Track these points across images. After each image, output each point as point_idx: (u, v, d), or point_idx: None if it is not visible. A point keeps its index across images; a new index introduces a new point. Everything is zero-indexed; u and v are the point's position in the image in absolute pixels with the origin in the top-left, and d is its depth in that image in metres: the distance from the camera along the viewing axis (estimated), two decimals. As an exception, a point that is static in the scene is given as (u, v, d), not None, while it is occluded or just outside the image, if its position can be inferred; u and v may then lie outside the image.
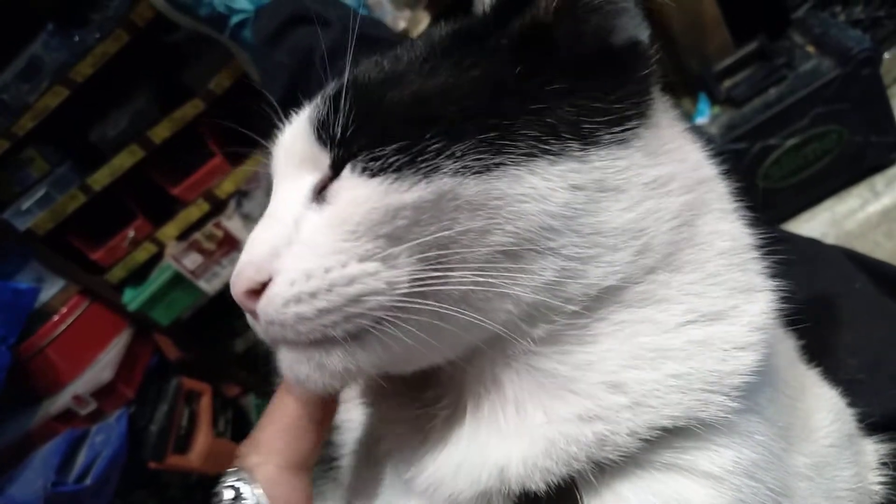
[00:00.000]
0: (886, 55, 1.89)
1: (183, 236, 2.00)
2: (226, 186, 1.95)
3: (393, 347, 0.37)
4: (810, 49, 1.74)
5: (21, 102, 1.73)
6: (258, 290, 0.37)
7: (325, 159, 0.39)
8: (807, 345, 0.51)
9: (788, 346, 0.50)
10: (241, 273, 0.38)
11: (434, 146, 0.35)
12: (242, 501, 0.37)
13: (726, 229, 0.41)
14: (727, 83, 1.78)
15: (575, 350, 0.38)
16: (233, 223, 2.00)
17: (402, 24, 1.71)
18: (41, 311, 1.96)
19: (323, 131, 0.39)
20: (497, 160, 0.35)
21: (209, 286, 2.02)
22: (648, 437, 0.36)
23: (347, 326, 0.36)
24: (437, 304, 0.35)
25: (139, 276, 2.04)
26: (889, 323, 0.64)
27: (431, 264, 0.35)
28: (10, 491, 1.63)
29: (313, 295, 0.35)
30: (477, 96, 0.37)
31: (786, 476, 0.39)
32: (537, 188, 0.36)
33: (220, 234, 1.98)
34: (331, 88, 0.41)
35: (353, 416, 0.54)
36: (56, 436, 1.79)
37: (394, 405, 0.45)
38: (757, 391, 0.39)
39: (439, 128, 0.36)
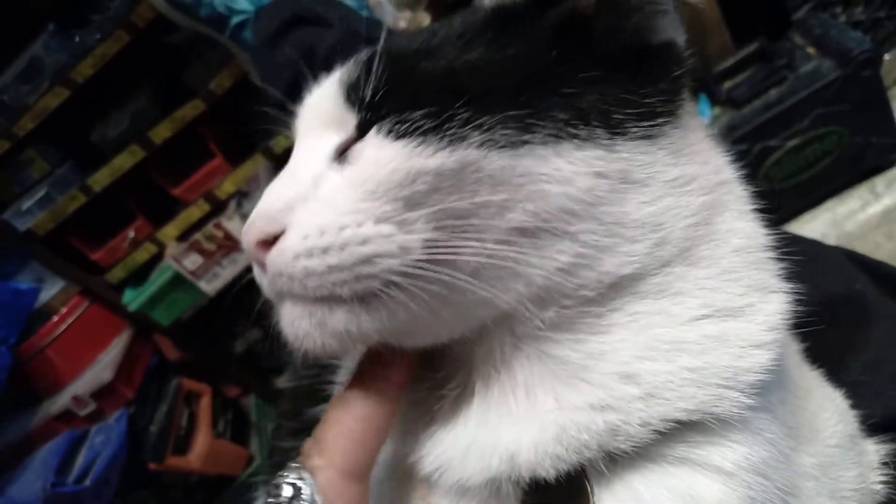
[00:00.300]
0: (887, 56, 1.89)
1: (183, 237, 2.00)
2: (226, 187, 1.95)
3: (398, 314, 0.36)
4: (811, 50, 1.74)
5: (21, 103, 1.73)
6: (270, 242, 0.37)
7: (351, 120, 0.39)
8: (809, 346, 0.51)
9: (794, 349, 0.50)
10: (254, 223, 0.38)
11: (462, 115, 0.35)
12: (301, 501, 0.36)
13: (742, 227, 0.41)
14: (727, 84, 1.78)
15: (588, 338, 0.38)
16: (233, 224, 2.00)
17: (402, 25, 1.71)
18: (41, 311, 1.96)
19: (353, 93, 0.39)
20: (524, 138, 0.35)
21: (209, 287, 2.02)
22: (662, 430, 0.36)
23: (356, 287, 0.35)
24: (448, 273, 0.35)
25: (139, 276, 2.03)
26: (889, 323, 0.64)
27: (447, 233, 0.35)
28: (10, 491, 1.63)
29: (325, 251, 0.35)
30: (510, 74, 0.38)
31: (793, 475, 0.39)
32: (562, 170, 0.36)
33: (220, 234, 1.98)
34: (364, 54, 0.41)
35: None
36: (56, 436, 1.80)
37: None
38: (769, 390, 0.39)
39: (470, 99, 0.36)
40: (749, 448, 0.37)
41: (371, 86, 0.38)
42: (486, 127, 0.35)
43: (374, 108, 0.38)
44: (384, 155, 0.36)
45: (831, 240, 1.67)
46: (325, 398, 0.58)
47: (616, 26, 0.40)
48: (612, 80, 0.39)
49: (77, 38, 1.71)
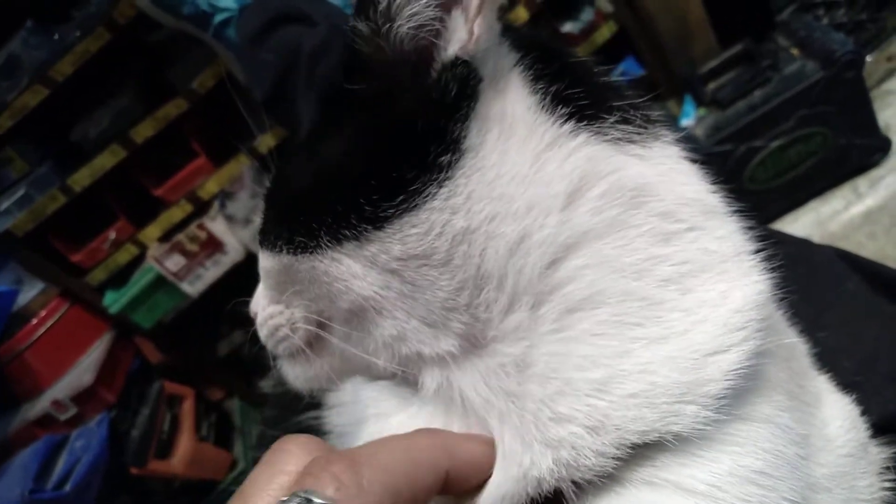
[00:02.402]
0: (869, 58, 1.91)
1: (165, 238, 1.97)
2: (209, 187, 1.93)
3: (318, 365, 0.44)
4: (795, 51, 1.75)
5: (-1, 101, 1.70)
6: None
7: None
8: None
9: (802, 352, 0.48)
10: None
11: (274, 226, 0.42)
12: None
13: (667, 253, 0.37)
14: (712, 85, 1.80)
15: (489, 379, 0.38)
16: (216, 225, 1.98)
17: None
18: (20, 313, 1.93)
19: None
20: (315, 243, 0.38)
21: (192, 288, 2.00)
22: (621, 455, 0.35)
23: (281, 347, 0.45)
24: (329, 336, 0.42)
25: (120, 278, 2.01)
26: (882, 322, 0.63)
27: (313, 311, 0.42)
28: (-12, 498, 1.60)
29: (260, 326, 0.46)
30: (294, 186, 0.42)
31: (804, 487, 0.37)
32: (352, 268, 0.38)
33: (203, 235, 1.96)
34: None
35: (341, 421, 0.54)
36: (35, 441, 1.76)
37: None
38: (759, 399, 0.37)
39: (275, 212, 0.43)
40: (734, 461, 0.35)
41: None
42: (286, 236, 0.40)
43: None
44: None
45: (815, 240, 1.68)
46: (312, 405, 0.57)
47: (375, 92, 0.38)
48: (366, 164, 0.37)
49: (57, 36, 1.69)
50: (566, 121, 0.38)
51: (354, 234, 0.37)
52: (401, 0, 0.35)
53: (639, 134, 0.40)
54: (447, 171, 0.36)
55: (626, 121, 0.40)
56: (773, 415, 0.37)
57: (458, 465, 0.36)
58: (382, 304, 0.38)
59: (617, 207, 0.37)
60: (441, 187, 0.36)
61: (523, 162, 0.37)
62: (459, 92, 0.36)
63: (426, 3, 0.35)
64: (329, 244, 0.38)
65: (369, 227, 0.37)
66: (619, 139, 0.39)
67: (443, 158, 0.36)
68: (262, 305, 0.45)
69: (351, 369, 0.44)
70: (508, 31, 0.40)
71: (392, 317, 0.38)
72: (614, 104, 0.40)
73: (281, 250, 0.40)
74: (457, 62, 0.36)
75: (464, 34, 0.36)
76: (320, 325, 0.42)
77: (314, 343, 0.43)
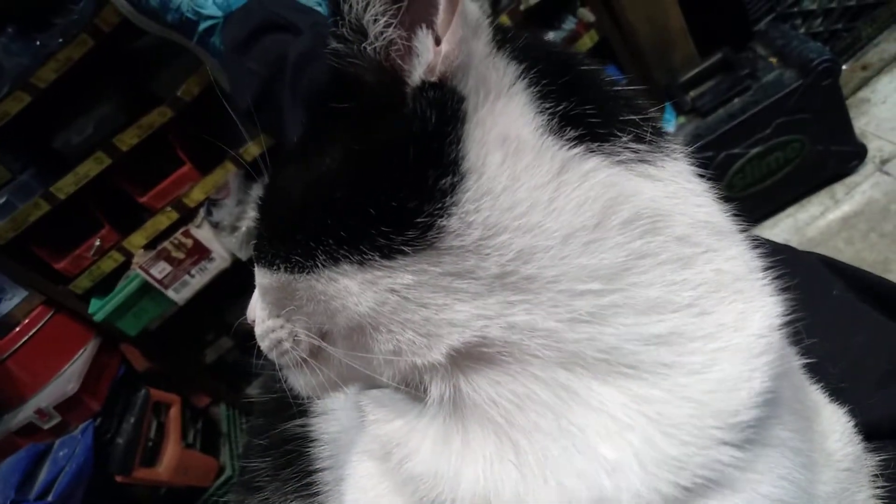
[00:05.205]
0: (844, 67, 1.95)
1: (151, 245, 1.96)
2: (195, 195, 1.93)
3: (322, 375, 0.44)
4: (773, 60, 1.79)
5: (-20, 108, 1.69)
6: None
7: None
8: None
9: (797, 364, 0.46)
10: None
11: (267, 245, 0.41)
12: None
13: (687, 278, 0.36)
14: (692, 94, 1.82)
15: (492, 408, 0.37)
16: (202, 232, 1.97)
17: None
18: (3, 321, 1.91)
19: None
20: (311, 262, 0.38)
21: (178, 296, 1.99)
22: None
23: (284, 358, 0.45)
24: (332, 350, 0.42)
25: (105, 285, 1.99)
26: (867, 329, 0.62)
27: (314, 326, 0.42)
28: (-31, 509, 1.59)
29: (261, 337, 0.46)
30: (289, 204, 0.41)
31: None
32: (349, 288, 0.37)
33: (189, 242, 1.96)
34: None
35: (331, 429, 0.54)
36: (17, 451, 1.75)
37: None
38: (774, 422, 0.36)
39: (270, 230, 0.42)
40: (752, 490, 0.34)
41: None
42: (282, 255, 0.39)
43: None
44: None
45: (793, 245, 1.71)
46: (300, 412, 0.57)
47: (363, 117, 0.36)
48: (369, 198, 0.35)
49: (39, 42, 1.68)
50: (576, 144, 0.35)
51: (358, 258, 0.36)
52: (367, 17, 0.34)
53: (651, 153, 0.38)
54: (450, 196, 0.34)
55: (638, 138, 0.37)
56: (787, 438, 0.36)
57: None
58: (378, 319, 0.37)
59: (638, 237, 0.35)
60: (450, 217, 0.34)
61: (538, 189, 0.34)
62: (440, 116, 0.34)
63: (386, 21, 0.33)
64: (325, 263, 0.37)
65: (375, 255, 0.35)
66: (632, 160, 0.37)
67: (443, 181, 0.34)
68: (261, 317, 0.45)
69: (356, 377, 0.44)
70: (508, 42, 0.37)
71: (388, 330, 0.37)
72: (626, 118, 0.38)
73: (278, 269, 0.39)
74: (425, 86, 0.34)
75: (430, 54, 0.33)
76: (322, 339, 0.41)
77: (317, 355, 0.43)
